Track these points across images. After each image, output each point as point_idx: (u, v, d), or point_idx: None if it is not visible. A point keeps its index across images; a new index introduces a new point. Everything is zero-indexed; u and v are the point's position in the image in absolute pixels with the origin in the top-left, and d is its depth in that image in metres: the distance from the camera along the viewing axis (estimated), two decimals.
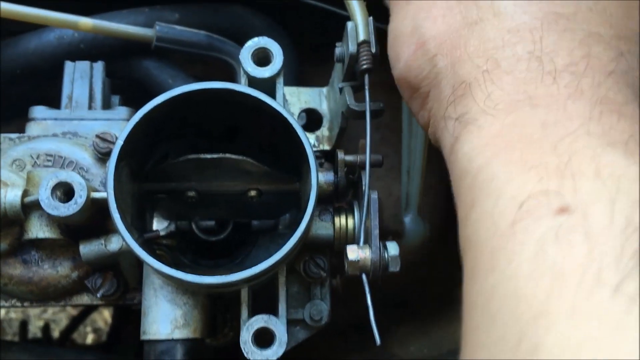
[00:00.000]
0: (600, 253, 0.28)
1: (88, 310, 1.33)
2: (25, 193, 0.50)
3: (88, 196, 0.48)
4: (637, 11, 0.38)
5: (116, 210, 0.44)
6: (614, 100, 0.34)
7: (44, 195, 0.47)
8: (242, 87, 0.46)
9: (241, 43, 0.70)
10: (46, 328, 1.32)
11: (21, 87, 0.73)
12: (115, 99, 0.66)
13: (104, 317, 2.01)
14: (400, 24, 0.44)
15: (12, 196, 0.49)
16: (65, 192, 0.49)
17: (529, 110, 0.35)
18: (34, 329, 1.71)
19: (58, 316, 1.94)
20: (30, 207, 0.50)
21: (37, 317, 1.88)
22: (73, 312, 1.97)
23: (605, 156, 0.31)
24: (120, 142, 0.45)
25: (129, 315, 1.26)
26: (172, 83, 0.73)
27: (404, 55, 0.43)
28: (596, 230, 0.29)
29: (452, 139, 0.38)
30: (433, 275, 0.84)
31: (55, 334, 1.56)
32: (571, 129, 0.33)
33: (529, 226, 0.31)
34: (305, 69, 0.78)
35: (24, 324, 1.33)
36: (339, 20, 0.68)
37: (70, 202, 0.48)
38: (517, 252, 0.31)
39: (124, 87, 0.71)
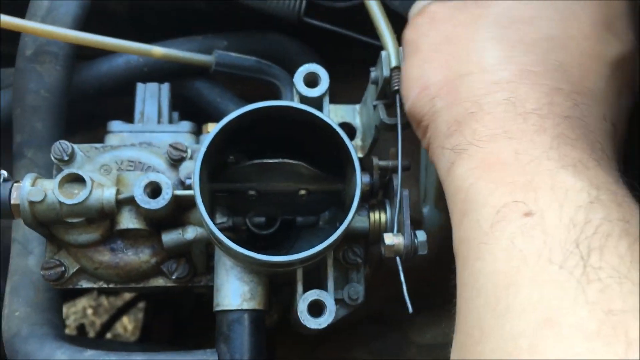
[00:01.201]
0: (551, 242, 0.40)
1: (121, 310, 1.43)
2: (117, 192, 0.61)
3: (172, 193, 0.59)
4: (592, 74, 0.50)
5: (202, 204, 0.55)
6: (568, 136, 0.46)
7: (137, 192, 0.58)
8: (300, 105, 0.58)
9: (281, 65, 0.82)
10: (82, 327, 1.42)
11: (87, 105, 0.84)
12: (175, 114, 0.78)
13: (124, 323, 2.10)
14: (410, 70, 0.56)
15: (109, 194, 0.60)
16: (152, 190, 0.59)
17: (505, 141, 0.47)
18: (70, 330, 1.80)
19: (86, 319, 2.04)
20: (122, 203, 0.61)
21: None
22: (98, 318, 2.07)
23: (559, 175, 0.43)
24: (203, 149, 0.56)
25: (160, 315, 1.36)
26: (220, 101, 0.85)
27: (411, 95, 0.55)
28: (549, 227, 0.41)
29: (449, 164, 0.50)
30: (446, 270, 0.95)
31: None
32: (535, 155, 0.45)
33: (503, 226, 0.43)
34: (333, 87, 0.89)
35: (81, 327, 1.42)
36: (365, 46, 0.80)
37: (158, 198, 0.58)
38: (495, 244, 0.43)
39: (177, 105, 0.82)
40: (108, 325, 1.40)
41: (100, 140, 0.71)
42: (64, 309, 1.92)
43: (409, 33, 0.59)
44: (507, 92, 0.49)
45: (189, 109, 0.83)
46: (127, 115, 0.75)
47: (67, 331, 1.79)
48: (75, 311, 2.14)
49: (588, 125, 0.48)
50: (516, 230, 0.42)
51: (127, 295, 1.90)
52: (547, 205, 0.42)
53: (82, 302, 2.13)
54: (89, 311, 2.16)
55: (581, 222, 0.40)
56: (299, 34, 0.86)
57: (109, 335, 2.05)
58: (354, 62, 0.80)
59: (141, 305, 1.73)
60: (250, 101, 0.62)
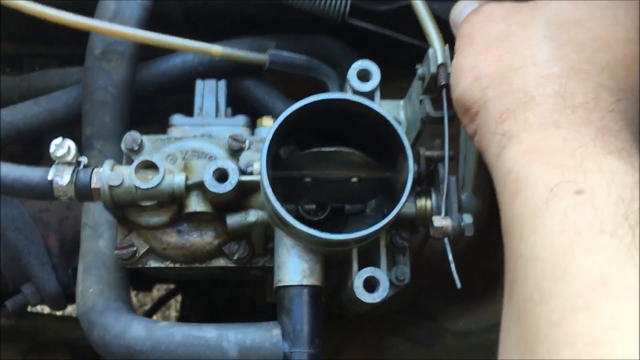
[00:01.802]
0: (602, 215, 0.44)
1: (161, 302, 1.48)
2: (186, 177, 0.66)
3: (238, 179, 0.64)
4: (634, 73, 0.55)
5: (270, 188, 0.60)
6: (612, 128, 0.51)
7: (207, 177, 0.64)
8: (357, 97, 0.63)
9: (326, 64, 0.87)
10: None
11: (144, 102, 0.90)
12: (229, 110, 0.83)
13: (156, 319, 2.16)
14: (463, 60, 0.61)
15: (179, 180, 0.66)
16: (219, 176, 0.65)
17: (554, 130, 0.51)
18: None
19: None
20: (190, 188, 0.66)
21: None
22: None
23: (605, 159, 0.48)
24: (269, 138, 0.61)
25: (197, 309, 1.42)
26: (268, 99, 0.90)
27: (463, 83, 0.60)
28: (599, 203, 0.45)
29: (499, 148, 0.54)
30: (479, 261, 0.99)
31: None
32: (583, 143, 0.49)
33: (557, 203, 0.47)
34: None
35: None
36: (404, 47, 0.85)
37: (225, 183, 0.64)
38: (549, 218, 0.47)
39: (229, 102, 0.87)
40: (149, 315, 1.45)
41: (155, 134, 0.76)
42: None
43: (465, 27, 0.64)
44: (557, 86, 0.54)
45: (240, 105, 0.88)
46: (180, 112, 0.81)
47: None
48: None
49: (630, 119, 0.53)
50: (569, 206, 0.47)
51: (156, 293, 1.96)
52: (596, 184, 0.47)
53: None
54: None
55: (628, 198, 0.45)
56: (339, 36, 0.91)
57: None
58: (388, 63, 0.86)
59: (169, 303, 1.78)
60: (294, 99, 0.67)
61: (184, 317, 1.44)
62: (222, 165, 0.64)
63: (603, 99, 0.53)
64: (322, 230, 0.74)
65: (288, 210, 0.72)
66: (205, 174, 0.64)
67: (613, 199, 0.45)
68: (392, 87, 0.80)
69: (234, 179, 0.64)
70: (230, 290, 1.34)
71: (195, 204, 0.66)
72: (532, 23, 0.58)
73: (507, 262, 0.52)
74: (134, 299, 2.21)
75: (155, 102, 0.94)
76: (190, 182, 0.66)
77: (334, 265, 0.72)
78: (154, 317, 2.12)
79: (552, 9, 0.58)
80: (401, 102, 0.78)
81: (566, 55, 0.55)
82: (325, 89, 0.83)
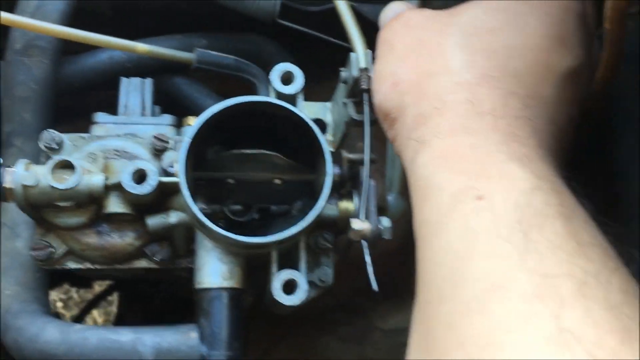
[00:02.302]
0: (499, 221, 0.46)
1: (94, 301, 1.45)
2: (105, 178, 0.65)
3: (158, 180, 0.64)
4: (545, 82, 0.57)
5: (187, 190, 0.60)
6: (518, 134, 0.52)
7: (125, 179, 0.63)
8: (278, 100, 0.63)
9: (258, 65, 0.87)
10: (57, 316, 1.44)
11: (71, 98, 0.88)
12: (157, 108, 0.82)
13: (94, 316, 2.12)
14: (383, 67, 0.62)
15: (97, 180, 0.65)
16: (139, 177, 0.64)
17: (463, 136, 0.53)
18: None
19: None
20: (109, 189, 0.65)
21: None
22: (68, 312, 2.09)
23: (507, 165, 0.50)
24: (188, 139, 0.61)
25: (132, 307, 1.40)
26: (198, 97, 0.89)
27: (382, 89, 0.61)
28: (497, 208, 0.47)
29: (413, 154, 0.55)
30: (411, 260, 1.01)
31: None
32: (488, 149, 0.51)
33: (459, 208, 0.49)
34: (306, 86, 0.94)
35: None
36: (337, 48, 0.86)
37: (144, 184, 0.63)
38: (452, 223, 0.49)
39: (158, 100, 0.86)
40: (79, 318, 1.42)
41: (81, 132, 0.75)
42: None
43: (385, 34, 0.65)
44: (468, 93, 0.55)
45: (169, 104, 0.87)
46: (108, 109, 0.80)
47: None
48: None
49: (537, 126, 0.55)
50: (470, 211, 0.48)
51: (97, 288, 1.92)
52: (495, 191, 0.48)
53: (52, 295, 2.14)
54: (59, 304, 2.18)
55: (524, 204, 0.47)
56: (274, 35, 0.91)
57: None
58: (324, 63, 0.86)
59: (111, 298, 1.75)
60: (226, 98, 0.67)
61: (120, 315, 1.42)
62: (141, 166, 0.63)
63: (511, 106, 0.54)
64: (246, 231, 0.75)
65: (213, 211, 0.72)
66: (123, 175, 0.63)
67: (510, 204, 0.47)
68: (328, 87, 0.81)
69: (153, 180, 0.63)
70: (167, 290, 1.32)
71: (114, 205, 0.66)
72: (447, 31, 0.60)
73: (417, 266, 0.54)
74: (75, 295, 2.17)
75: (85, 97, 0.92)
76: (109, 182, 0.65)
77: (259, 266, 0.72)
78: (95, 313, 2.09)
79: (467, 17, 0.60)
80: (328, 104, 0.79)
81: (478, 62, 0.57)
82: (254, 90, 0.83)
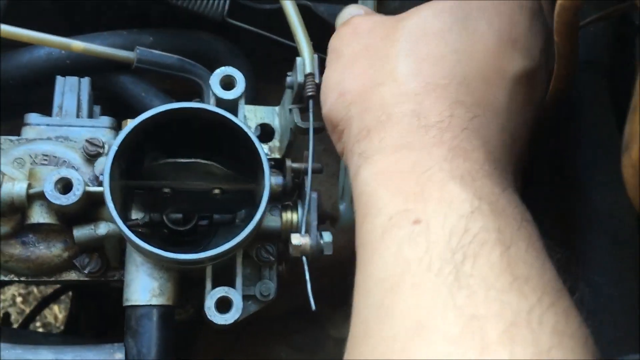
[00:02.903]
0: (432, 249, 0.43)
1: (46, 300, 1.41)
2: (29, 186, 0.61)
3: (84, 189, 0.59)
4: (495, 88, 0.53)
5: (111, 202, 0.56)
6: (464, 148, 0.49)
7: (48, 188, 0.59)
8: (213, 107, 0.59)
9: (207, 65, 0.83)
10: (6, 316, 1.40)
11: (8, 95, 0.83)
12: (97, 108, 0.78)
13: (54, 312, 2.07)
14: (330, 75, 0.58)
15: (19, 188, 0.60)
16: (64, 186, 0.60)
17: (406, 152, 0.49)
18: None
19: (14, 308, 2.00)
20: (33, 198, 0.61)
21: None
22: (28, 307, 2.03)
23: (447, 186, 0.46)
24: (114, 148, 0.57)
25: (87, 306, 1.35)
26: (145, 96, 0.85)
27: (329, 100, 0.57)
28: (432, 235, 0.44)
29: (356, 168, 0.52)
30: None
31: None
32: (429, 166, 0.48)
33: (394, 233, 0.46)
34: (262, 85, 0.91)
35: (6, 316, 1.39)
36: (291, 49, 0.82)
37: (69, 194, 0.59)
38: (384, 249, 0.46)
39: (102, 98, 0.82)
40: (33, 316, 1.38)
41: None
42: None
43: (333, 41, 0.61)
44: (413, 104, 0.52)
45: (115, 103, 0.83)
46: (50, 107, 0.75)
47: None
48: (4, 299, 2.10)
49: (485, 136, 0.52)
50: (404, 237, 0.45)
51: (56, 285, 1.87)
52: (433, 214, 0.45)
53: (12, 290, 2.08)
54: (19, 299, 2.12)
55: (461, 231, 0.44)
56: (228, 34, 0.87)
57: (38, 324, 2.02)
58: (280, 62, 0.83)
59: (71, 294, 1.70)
60: (179, 97, 0.63)
61: (73, 315, 1.37)
62: (65, 174, 0.59)
63: (458, 116, 0.51)
64: (189, 241, 0.72)
65: (152, 221, 0.69)
66: (45, 183, 0.59)
67: (447, 231, 0.44)
68: (283, 89, 0.77)
69: (78, 189, 0.59)
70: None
71: (39, 215, 0.62)
72: (394, 36, 0.56)
73: (354, 291, 0.50)
74: (35, 290, 2.12)
75: (29, 93, 0.87)
76: (32, 191, 0.61)
77: (197, 279, 0.68)
78: (55, 309, 2.03)
79: (414, 21, 0.56)
80: (277, 108, 0.75)
81: (424, 70, 0.53)
82: (200, 91, 0.79)
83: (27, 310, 2.00)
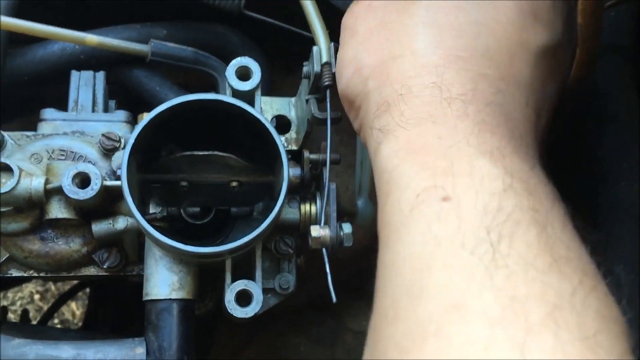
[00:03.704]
0: (465, 228, 0.41)
1: (65, 296, 1.41)
2: (47, 181, 0.61)
3: (102, 184, 0.59)
4: (518, 62, 0.51)
5: (129, 195, 0.55)
6: (489, 122, 0.47)
7: (66, 183, 0.58)
8: (230, 98, 0.58)
9: (221, 57, 0.82)
10: (25, 313, 1.40)
11: (24, 91, 0.83)
12: (112, 103, 0.77)
13: (72, 309, 2.08)
14: (345, 52, 0.57)
15: (37, 184, 0.60)
16: (82, 180, 0.60)
17: (429, 125, 0.48)
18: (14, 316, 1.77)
19: (32, 305, 2.01)
20: (51, 193, 0.61)
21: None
22: (46, 304, 2.04)
23: (476, 161, 0.44)
24: (131, 141, 0.56)
25: (104, 302, 1.36)
26: (160, 90, 0.84)
27: (345, 76, 0.56)
28: (464, 212, 0.42)
29: (376, 144, 0.50)
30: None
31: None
32: (456, 140, 0.46)
33: (422, 210, 0.44)
34: (276, 78, 0.90)
35: (4, 309, 1.40)
36: (306, 40, 0.81)
37: (87, 189, 0.59)
38: (413, 228, 0.44)
39: (117, 93, 0.81)
40: (51, 312, 1.38)
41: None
42: (10, 295, 1.86)
43: (347, 19, 0.60)
44: (434, 76, 0.50)
45: (129, 97, 0.83)
46: (66, 102, 0.75)
47: (11, 317, 1.77)
48: (22, 296, 2.11)
49: (510, 112, 0.50)
50: (433, 215, 0.43)
51: (73, 281, 1.88)
52: (463, 192, 0.43)
53: (29, 288, 2.09)
54: (36, 297, 2.13)
55: (494, 209, 0.42)
56: (242, 26, 0.86)
57: (56, 321, 2.03)
58: (295, 55, 0.82)
59: (88, 291, 1.71)
60: (193, 91, 0.62)
61: (91, 312, 1.37)
62: (83, 169, 0.59)
63: (481, 90, 0.49)
64: (206, 234, 0.71)
65: (170, 214, 0.68)
66: (63, 178, 0.58)
67: (479, 208, 0.42)
68: (298, 81, 0.76)
69: (96, 184, 0.59)
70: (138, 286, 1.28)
71: (57, 210, 0.61)
72: (411, 9, 0.54)
73: (377, 271, 0.49)
74: (52, 288, 2.13)
75: (45, 88, 0.87)
76: (50, 186, 0.61)
77: (217, 272, 0.68)
78: (73, 306, 2.04)
79: None
80: (293, 99, 0.74)
81: (444, 41, 0.51)
82: (214, 84, 0.79)
83: (45, 308, 2.01)
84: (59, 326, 2.02)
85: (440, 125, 0.48)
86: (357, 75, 0.55)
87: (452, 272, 0.40)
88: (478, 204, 0.42)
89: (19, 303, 2.08)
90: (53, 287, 2.12)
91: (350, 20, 0.59)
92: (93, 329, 1.31)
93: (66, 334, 1.11)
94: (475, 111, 0.48)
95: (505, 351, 0.35)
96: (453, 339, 0.38)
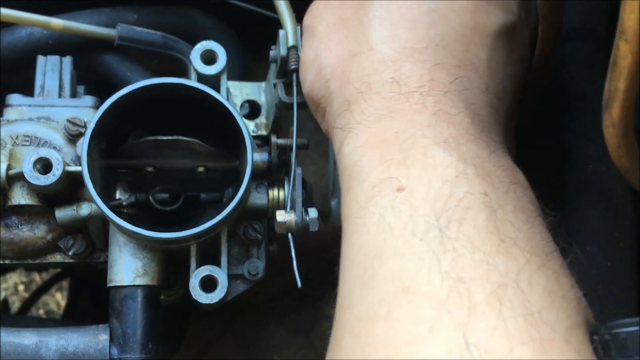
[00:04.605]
0: (416, 215, 0.42)
1: (44, 287, 1.41)
2: (9, 167, 0.60)
3: (63, 169, 0.58)
4: (474, 46, 0.52)
5: (89, 180, 0.55)
6: (447, 112, 0.48)
7: (27, 168, 0.58)
8: (192, 82, 0.58)
9: (193, 41, 0.81)
10: (5, 303, 1.40)
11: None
12: (81, 88, 0.76)
13: (57, 299, 2.07)
14: (307, 53, 0.57)
15: None
16: (43, 166, 0.59)
17: (389, 121, 0.48)
18: None
19: (11, 298, 2.00)
20: (13, 179, 0.60)
21: None
22: (28, 293, 2.03)
23: (430, 151, 0.45)
24: (91, 126, 0.56)
25: (83, 292, 1.35)
26: (130, 76, 0.83)
27: (308, 78, 0.56)
28: (416, 201, 0.43)
29: (339, 143, 0.51)
30: None
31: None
32: (412, 133, 0.47)
33: (377, 201, 0.45)
34: (253, 61, 0.89)
35: (4, 302, 1.39)
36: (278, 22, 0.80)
37: (49, 174, 0.58)
38: (368, 218, 0.45)
39: (87, 78, 0.80)
40: (31, 302, 1.38)
41: None
42: None
43: (306, 18, 0.60)
44: (392, 71, 0.51)
45: (100, 83, 0.81)
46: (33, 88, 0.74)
47: None
48: (7, 287, 2.10)
49: (468, 98, 0.50)
50: (387, 205, 0.44)
51: (53, 272, 1.87)
52: (416, 181, 0.44)
53: (14, 278, 2.08)
54: (21, 287, 2.12)
55: (445, 195, 0.43)
56: (220, 10, 0.85)
57: (41, 312, 2.02)
58: (272, 40, 0.81)
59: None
60: (164, 76, 0.61)
61: (71, 302, 1.37)
62: (44, 154, 0.58)
63: (439, 80, 0.50)
64: (177, 221, 0.70)
65: (138, 200, 0.67)
66: (24, 164, 0.58)
67: (431, 196, 0.43)
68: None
69: (58, 169, 0.58)
70: None
71: (20, 197, 0.60)
72: (365, 4, 0.54)
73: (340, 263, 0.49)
74: (37, 278, 2.12)
75: (12, 74, 0.86)
76: (12, 172, 0.60)
77: (184, 259, 0.67)
78: (58, 296, 2.03)
79: None
80: (263, 84, 0.74)
81: (398, 34, 0.52)
82: (183, 69, 0.78)
83: (16, 301, 2.01)
84: (43, 317, 2.01)
85: (398, 120, 0.48)
86: (319, 77, 0.55)
87: (402, 258, 0.41)
88: (430, 192, 0.43)
89: (3, 293, 2.07)
90: (38, 278, 2.11)
91: (310, 19, 0.59)
92: (74, 319, 1.31)
93: (43, 323, 1.10)
94: (433, 102, 0.49)
95: (448, 331, 0.36)
96: (400, 321, 0.39)
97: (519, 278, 0.38)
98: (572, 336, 0.37)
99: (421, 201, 0.43)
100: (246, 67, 0.87)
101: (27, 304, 1.35)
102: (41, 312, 2.03)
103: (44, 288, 1.36)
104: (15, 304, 1.93)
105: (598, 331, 0.38)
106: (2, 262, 0.64)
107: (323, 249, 0.86)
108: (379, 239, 0.43)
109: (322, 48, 0.55)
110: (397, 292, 0.40)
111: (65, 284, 1.68)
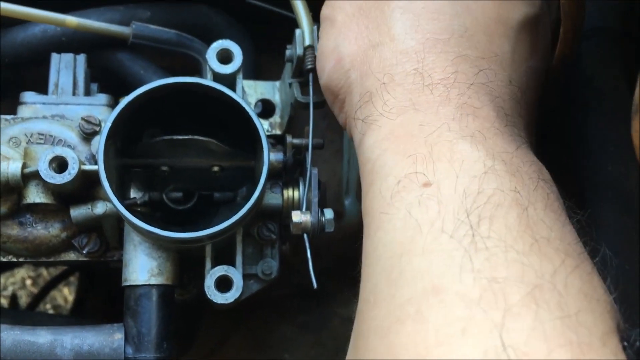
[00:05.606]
0: (445, 212, 0.41)
1: (52, 282, 1.41)
2: (24, 165, 0.60)
3: (79, 168, 0.58)
4: (498, 38, 0.51)
5: (106, 180, 0.54)
6: (471, 105, 0.47)
7: (42, 167, 0.57)
8: (210, 82, 0.57)
9: (206, 39, 0.81)
10: (14, 298, 1.40)
11: (4, 73, 0.82)
12: (94, 86, 0.76)
13: (64, 294, 2.08)
14: (325, 43, 0.56)
15: (14, 168, 0.59)
16: (59, 164, 0.59)
17: (412, 113, 0.47)
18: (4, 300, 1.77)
19: (19, 293, 2.01)
20: (28, 177, 0.60)
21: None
22: (35, 288, 2.04)
23: (457, 145, 0.44)
24: (108, 125, 0.55)
25: (95, 289, 1.35)
26: (144, 74, 0.83)
27: (326, 68, 0.55)
28: (444, 197, 0.42)
29: (360, 135, 0.50)
30: None
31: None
32: (437, 126, 0.45)
33: (403, 196, 0.43)
34: (265, 61, 0.88)
35: (14, 297, 1.40)
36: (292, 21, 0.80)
37: (64, 173, 0.58)
38: (394, 214, 0.43)
39: (100, 76, 0.80)
40: (40, 297, 1.38)
41: None
42: (2, 280, 1.86)
43: (325, 9, 0.59)
44: (415, 62, 0.50)
45: (113, 81, 0.81)
46: (46, 85, 0.74)
47: (3, 302, 1.76)
48: (14, 282, 2.11)
49: (493, 91, 0.49)
50: (414, 200, 0.43)
51: (61, 267, 1.88)
52: (443, 176, 0.43)
53: (21, 273, 2.09)
54: (28, 282, 2.13)
55: (474, 192, 0.41)
56: (234, 9, 0.84)
57: (49, 307, 2.03)
58: (286, 39, 0.80)
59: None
60: (178, 74, 0.61)
61: (80, 298, 1.37)
62: (60, 153, 0.58)
63: (463, 72, 0.49)
64: (190, 220, 0.70)
65: (152, 199, 0.67)
66: (40, 162, 0.57)
67: (459, 192, 0.42)
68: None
69: (73, 168, 0.58)
70: None
71: (35, 195, 0.60)
72: None
73: (362, 259, 0.49)
74: (44, 273, 2.12)
75: (25, 71, 0.86)
76: (27, 170, 0.60)
77: (198, 259, 0.67)
78: (65, 291, 2.04)
79: None
80: (277, 83, 0.73)
81: (422, 25, 0.51)
82: (198, 67, 0.77)
83: (24, 295, 2.01)
84: (51, 312, 2.02)
85: (423, 112, 0.47)
86: (338, 67, 0.54)
87: (431, 256, 0.40)
88: (458, 188, 0.42)
89: (10, 288, 2.07)
90: (45, 273, 2.11)
91: (328, 10, 0.58)
92: (81, 315, 1.31)
93: (52, 319, 1.10)
94: (458, 94, 0.48)
95: (484, 332, 0.35)
96: (431, 321, 0.37)
97: (554, 279, 0.37)
98: (609, 340, 0.36)
99: (449, 197, 0.42)
100: (258, 66, 0.87)
101: (36, 299, 1.35)
102: (48, 306, 2.04)
103: (53, 284, 1.36)
104: (22, 299, 1.93)
105: (629, 337, 0.37)
106: (16, 259, 0.64)
107: (333, 249, 0.86)
108: (406, 236, 0.42)
109: (342, 38, 0.54)
110: (427, 291, 0.39)
111: (72, 279, 1.69)
